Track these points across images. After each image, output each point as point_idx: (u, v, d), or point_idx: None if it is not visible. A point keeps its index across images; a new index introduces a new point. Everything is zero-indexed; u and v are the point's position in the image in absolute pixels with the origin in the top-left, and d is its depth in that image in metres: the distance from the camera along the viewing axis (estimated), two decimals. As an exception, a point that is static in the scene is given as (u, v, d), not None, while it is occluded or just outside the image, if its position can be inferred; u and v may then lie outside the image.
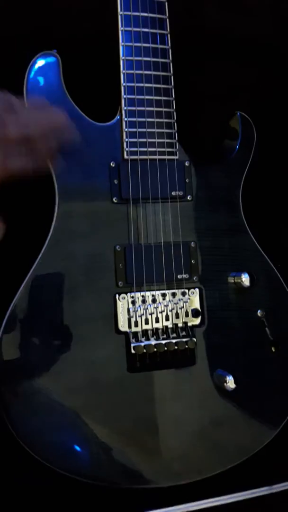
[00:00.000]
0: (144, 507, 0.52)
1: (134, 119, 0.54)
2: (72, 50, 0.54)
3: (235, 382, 0.54)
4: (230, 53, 0.63)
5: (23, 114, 0.45)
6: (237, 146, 0.59)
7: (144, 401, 0.53)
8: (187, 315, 0.55)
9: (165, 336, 0.54)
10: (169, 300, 0.55)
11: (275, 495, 0.56)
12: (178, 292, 0.55)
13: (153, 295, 0.54)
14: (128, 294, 0.53)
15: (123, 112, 0.54)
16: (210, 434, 0.55)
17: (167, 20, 0.56)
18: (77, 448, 0.52)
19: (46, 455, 0.50)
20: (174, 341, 0.53)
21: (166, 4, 0.56)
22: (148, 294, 0.54)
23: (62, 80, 0.54)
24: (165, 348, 0.53)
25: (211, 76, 0.63)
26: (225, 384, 0.54)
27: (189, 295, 0.55)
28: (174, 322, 0.54)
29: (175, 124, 0.55)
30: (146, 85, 0.55)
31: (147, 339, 0.53)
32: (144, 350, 0.52)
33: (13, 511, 0.51)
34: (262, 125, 0.59)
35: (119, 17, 0.54)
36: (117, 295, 0.53)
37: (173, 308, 0.55)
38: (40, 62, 0.54)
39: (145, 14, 0.55)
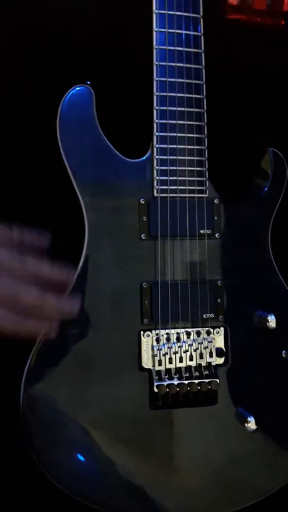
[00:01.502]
0: None
1: (165, 157, 0.54)
2: (106, 84, 0.54)
3: (256, 423, 0.54)
4: (265, 87, 0.62)
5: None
6: (268, 184, 0.58)
7: (164, 438, 0.53)
8: (211, 355, 0.55)
9: (188, 375, 0.54)
10: (194, 339, 0.54)
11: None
12: (203, 331, 0.55)
13: (177, 333, 0.54)
14: (153, 331, 0.54)
15: (155, 149, 0.54)
16: (228, 473, 0.55)
17: (203, 54, 0.55)
18: (98, 480, 0.53)
19: (69, 486, 0.51)
20: (196, 381, 0.53)
21: (202, 38, 0.55)
22: (173, 332, 0.54)
23: (95, 114, 0.54)
24: (188, 388, 0.53)
25: (245, 111, 0.62)
26: (246, 424, 0.54)
27: (213, 334, 0.55)
28: (198, 362, 0.54)
29: (206, 162, 0.55)
30: (179, 122, 0.54)
31: (170, 377, 0.53)
32: (167, 390, 0.52)
33: None
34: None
35: (154, 51, 0.54)
36: (141, 332, 0.53)
37: (197, 348, 0.54)
38: (73, 95, 0.53)
39: (181, 48, 0.54)
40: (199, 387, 0.53)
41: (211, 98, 0.55)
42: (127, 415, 0.52)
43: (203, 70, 0.55)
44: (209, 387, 0.54)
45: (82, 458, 0.52)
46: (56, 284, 0.46)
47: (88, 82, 0.54)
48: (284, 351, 0.57)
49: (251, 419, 0.54)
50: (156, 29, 0.53)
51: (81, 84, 0.54)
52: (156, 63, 0.54)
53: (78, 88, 0.53)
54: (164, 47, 0.54)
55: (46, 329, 0.46)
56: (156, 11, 0.53)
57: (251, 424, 0.54)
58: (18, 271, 0.45)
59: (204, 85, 0.55)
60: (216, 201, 0.56)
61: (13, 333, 0.44)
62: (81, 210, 0.53)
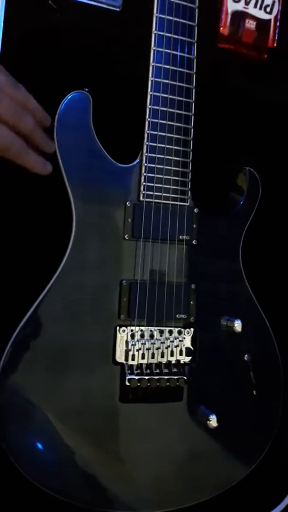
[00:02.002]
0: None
1: (153, 165, 0.58)
2: (103, 93, 0.57)
3: (217, 421, 0.57)
4: (247, 112, 0.67)
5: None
6: (243, 200, 0.63)
7: (130, 431, 0.56)
8: (180, 353, 0.58)
9: (158, 371, 0.57)
10: (166, 337, 0.58)
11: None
12: (175, 330, 0.58)
13: (151, 331, 0.57)
14: (128, 327, 0.56)
15: (144, 157, 0.58)
16: (190, 467, 0.58)
17: (194, 75, 0.60)
18: (63, 468, 0.54)
19: (33, 474, 0.52)
20: (166, 377, 0.56)
21: (195, 60, 0.60)
22: (147, 329, 0.57)
23: (90, 119, 0.57)
24: (157, 384, 0.56)
25: (227, 131, 0.67)
26: (208, 422, 0.57)
27: (184, 334, 0.59)
28: (168, 359, 0.58)
29: (190, 173, 0.59)
30: (168, 134, 0.58)
31: (142, 372, 0.56)
32: (138, 384, 0.55)
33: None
34: (268, 182, 0.63)
35: (150, 67, 0.58)
36: (117, 327, 0.56)
37: (169, 346, 0.58)
38: (71, 100, 0.57)
39: (175, 68, 0.59)
40: (167, 383, 0.56)
41: (199, 116, 0.59)
42: (96, 407, 0.54)
43: (193, 90, 0.60)
44: (177, 383, 0.57)
45: (48, 447, 0.53)
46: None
47: (87, 89, 0.57)
48: (246, 355, 0.61)
49: (213, 417, 0.57)
50: (154, 48, 0.58)
51: (79, 90, 0.57)
52: (152, 78, 0.58)
53: (76, 94, 0.57)
54: (160, 65, 0.58)
55: (39, 162, 0.52)
56: (155, 32, 0.58)
57: (213, 421, 0.57)
58: (19, 102, 0.50)
59: (193, 104, 0.60)
60: (196, 210, 0.60)
61: (17, 156, 0.50)
62: (70, 207, 0.56)
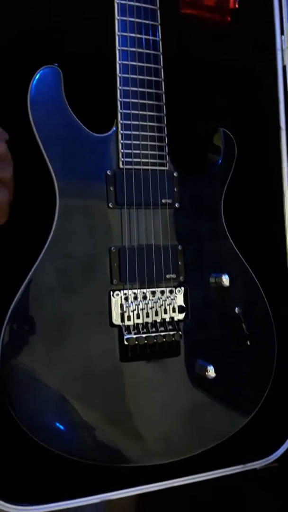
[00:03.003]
0: (133, 484, 0.58)
1: (129, 132, 0.59)
2: (72, 66, 0.58)
3: (215, 371, 0.60)
4: (216, 77, 0.69)
5: None
6: (220, 160, 0.65)
7: (133, 388, 0.58)
8: (173, 310, 0.61)
9: (154, 329, 0.59)
10: (158, 297, 0.60)
11: (248, 472, 0.63)
12: (166, 290, 0.61)
13: (143, 293, 0.60)
14: (122, 291, 0.59)
15: (119, 125, 0.59)
16: (192, 418, 0.61)
17: (160, 41, 0.61)
18: (72, 430, 0.56)
19: (43, 437, 0.55)
20: (162, 334, 0.59)
21: (159, 27, 0.61)
22: (139, 292, 0.59)
23: (63, 93, 0.58)
24: (155, 340, 0.58)
25: (199, 96, 0.69)
26: (206, 373, 0.60)
27: (175, 293, 0.61)
28: (162, 317, 0.60)
29: (166, 138, 0.61)
30: (141, 101, 0.60)
31: (138, 332, 0.58)
32: (136, 342, 0.58)
33: (15, 489, 0.55)
34: (243, 143, 0.65)
35: (116, 37, 0.59)
36: (111, 292, 0.58)
37: (162, 305, 0.60)
38: (42, 76, 0.58)
39: (140, 36, 0.60)
40: (164, 339, 0.59)
41: (170, 82, 0.61)
42: (98, 369, 0.57)
43: (161, 56, 0.61)
44: (173, 338, 0.59)
45: (56, 411, 0.55)
46: None
47: (56, 64, 0.58)
48: (237, 308, 0.64)
49: (211, 368, 0.60)
50: (118, 17, 0.59)
51: (49, 65, 0.58)
52: (119, 48, 0.59)
53: (46, 69, 0.58)
54: (126, 34, 0.59)
55: None
56: (118, 1, 0.59)
57: (211, 372, 0.60)
58: None
59: (162, 70, 0.61)
60: (175, 173, 0.62)
61: None
62: (53, 182, 0.57)
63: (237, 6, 0.67)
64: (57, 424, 0.56)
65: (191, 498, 0.69)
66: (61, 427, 0.56)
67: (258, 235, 0.71)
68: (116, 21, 0.59)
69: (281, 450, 0.66)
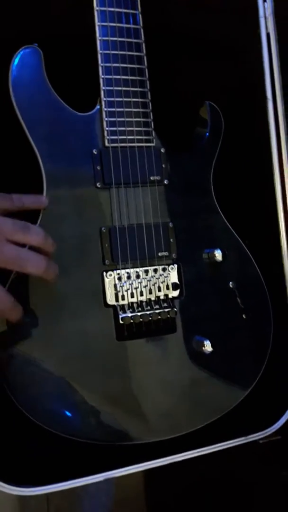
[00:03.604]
0: (136, 461, 0.58)
1: (113, 109, 0.58)
2: (53, 46, 0.57)
3: (211, 346, 0.60)
4: (200, 50, 0.68)
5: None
6: (207, 134, 0.64)
7: (131, 366, 0.59)
8: (167, 288, 0.61)
9: (148, 307, 0.59)
10: (151, 276, 0.60)
11: (250, 444, 0.63)
12: (159, 268, 0.61)
13: (137, 272, 0.59)
14: (115, 271, 0.58)
15: (103, 102, 0.58)
16: (191, 394, 0.61)
17: (140, 15, 0.60)
18: (72, 411, 0.57)
19: (43, 419, 0.55)
20: (157, 311, 0.59)
21: (139, 1, 0.60)
22: (133, 271, 0.59)
23: (44, 73, 0.57)
24: (150, 318, 0.58)
25: (183, 71, 0.68)
26: (203, 348, 0.60)
27: (168, 270, 0.61)
28: (156, 295, 0.60)
29: (151, 113, 0.60)
30: (123, 77, 0.59)
31: (133, 311, 0.58)
32: (131, 320, 0.58)
33: (16, 472, 0.56)
34: (230, 116, 0.64)
35: (95, 12, 0.58)
36: (104, 273, 0.58)
37: (155, 283, 0.60)
38: (22, 57, 0.57)
39: (119, 10, 0.59)
40: (159, 316, 0.59)
41: (152, 56, 0.60)
42: (95, 348, 0.57)
43: (141, 30, 0.60)
44: (168, 315, 0.59)
45: (56, 393, 0.56)
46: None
47: (36, 44, 0.57)
48: (231, 282, 0.64)
49: (207, 342, 0.60)
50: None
51: (29, 45, 0.57)
52: (98, 23, 0.58)
53: (26, 49, 0.57)
54: (105, 8, 0.58)
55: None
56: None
57: (208, 346, 0.60)
58: (20, 240, 0.50)
59: (143, 44, 0.60)
60: (162, 150, 0.61)
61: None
62: (38, 164, 0.57)
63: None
64: (57, 405, 0.56)
65: (197, 473, 0.70)
66: (61, 408, 0.56)
67: (250, 208, 0.70)
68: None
69: (282, 421, 0.66)
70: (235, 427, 0.64)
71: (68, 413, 0.56)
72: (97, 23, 0.58)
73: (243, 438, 0.63)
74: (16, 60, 0.56)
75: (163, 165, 0.61)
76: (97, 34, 0.58)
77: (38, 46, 0.57)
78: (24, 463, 0.57)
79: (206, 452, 0.61)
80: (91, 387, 0.57)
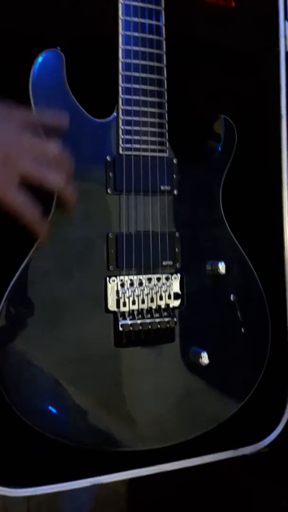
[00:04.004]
0: (124, 468, 0.59)
1: (130, 118, 0.59)
2: (75, 51, 0.58)
3: (208, 358, 0.61)
4: (217, 61, 0.69)
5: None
6: (220, 147, 0.65)
7: (127, 374, 0.59)
8: (169, 297, 0.61)
9: (149, 316, 0.60)
10: (154, 284, 0.61)
11: (239, 458, 0.64)
12: (162, 276, 0.61)
13: (140, 279, 0.60)
14: (118, 277, 0.59)
15: (120, 110, 0.59)
16: (184, 404, 0.62)
17: (164, 27, 0.61)
18: (65, 414, 0.57)
19: (35, 420, 0.55)
20: (157, 320, 0.60)
21: (163, 12, 0.61)
22: (136, 278, 0.60)
23: (65, 77, 0.58)
24: (149, 327, 0.59)
25: (200, 82, 0.69)
26: (199, 359, 0.61)
27: (171, 279, 0.62)
28: (157, 303, 0.61)
29: (167, 124, 0.61)
30: (142, 86, 0.60)
31: (133, 318, 0.59)
32: (131, 328, 0.58)
33: (7, 472, 0.56)
34: (242, 129, 0.65)
35: (120, 21, 0.59)
36: (107, 278, 0.59)
37: (158, 291, 0.61)
38: (44, 59, 0.57)
39: (144, 21, 0.60)
40: (158, 325, 0.60)
41: (172, 67, 0.61)
42: (92, 353, 0.57)
43: (164, 42, 0.61)
44: (168, 325, 0.60)
45: (50, 395, 0.56)
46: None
47: (59, 48, 0.58)
48: (232, 295, 0.64)
49: (204, 354, 0.61)
50: (122, 1, 0.58)
51: (51, 49, 0.58)
52: (122, 32, 0.59)
53: (48, 52, 0.58)
54: (129, 18, 0.59)
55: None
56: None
57: (204, 358, 0.61)
58: (39, 152, 0.49)
59: (164, 55, 0.61)
60: (175, 160, 0.62)
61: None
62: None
63: (242, -9, 0.67)
64: (50, 407, 0.56)
65: (184, 482, 0.70)
66: (54, 410, 0.57)
67: (256, 223, 0.71)
68: (120, 5, 0.59)
69: (272, 436, 0.67)
70: (225, 440, 0.65)
71: (60, 416, 0.57)
72: (120, 32, 0.59)
73: (232, 451, 0.64)
74: (38, 62, 0.57)
75: (174, 176, 0.62)
76: (120, 43, 0.59)
77: (61, 49, 0.58)
78: (11, 463, 0.57)
79: (194, 463, 0.61)
80: (85, 391, 0.57)
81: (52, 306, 0.56)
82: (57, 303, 0.56)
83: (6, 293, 0.55)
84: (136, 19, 0.59)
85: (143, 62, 0.60)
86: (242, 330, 0.64)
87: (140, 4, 0.59)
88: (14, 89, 0.57)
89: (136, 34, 0.59)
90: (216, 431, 0.63)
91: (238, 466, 0.65)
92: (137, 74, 0.59)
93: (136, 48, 0.59)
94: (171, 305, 0.61)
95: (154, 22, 0.60)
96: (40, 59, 0.57)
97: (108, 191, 0.59)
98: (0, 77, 0.61)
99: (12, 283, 0.55)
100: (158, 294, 0.61)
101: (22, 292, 0.55)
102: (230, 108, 0.66)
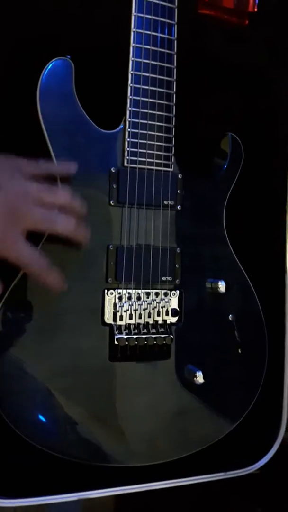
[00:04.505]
0: (112, 484, 0.58)
1: (136, 131, 0.59)
2: (84, 60, 0.58)
3: (203, 377, 0.60)
4: (228, 78, 0.68)
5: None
6: (226, 165, 0.65)
7: (119, 388, 0.58)
8: (167, 313, 0.60)
9: (145, 331, 0.59)
10: (152, 299, 0.60)
11: (229, 480, 0.63)
12: (161, 292, 0.60)
13: (138, 293, 0.59)
14: (116, 290, 0.58)
15: (127, 122, 0.58)
16: (177, 422, 0.61)
17: (175, 41, 0.60)
18: (56, 426, 0.56)
19: (27, 432, 0.54)
20: (153, 336, 0.59)
21: (175, 26, 0.60)
22: (134, 292, 0.59)
23: (73, 86, 0.57)
24: (145, 342, 0.58)
25: (209, 98, 0.68)
26: (194, 378, 0.60)
27: (170, 296, 0.61)
28: (154, 319, 0.60)
29: (173, 139, 0.60)
30: (151, 100, 0.59)
31: (129, 332, 0.58)
32: (126, 342, 0.57)
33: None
34: (249, 146, 0.65)
35: (132, 33, 0.59)
36: (105, 290, 0.58)
37: (155, 307, 0.60)
38: (54, 67, 0.57)
39: (156, 34, 0.59)
40: (155, 341, 0.59)
41: (181, 82, 0.60)
42: (86, 366, 0.56)
43: (175, 56, 0.60)
44: (164, 341, 0.59)
45: (43, 407, 0.55)
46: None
47: (68, 56, 0.58)
48: (230, 315, 0.63)
49: (200, 373, 0.60)
50: (135, 13, 0.58)
51: (61, 57, 0.57)
52: (133, 44, 0.59)
53: (58, 61, 0.57)
54: (141, 31, 0.59)
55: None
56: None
57: (199, 378, 0.60)
58: (48, 201, 0.49)
59: (175, 69, 0.60)
60: (179, 175, 0.61)
61: None
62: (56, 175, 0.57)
63: (256, 10, 0.66)
64: (41, 418, 0.56)
65: (172, 501, 0.69)
66: (45, 422, 0.56)
67: (258, 243, 0.70)
68: (133, 17, 0.58)
69: (264, 460, 0.66)
70: (216, 461, 0.64)
71: (50, 427, 0.56)
72: (132, 43, 0.58)
73: (222, 473, 0.63)
74: (46, 70, 0.57)
75: (178, 191, 0.61)
76: (131, 55, 0.58)
77: (70, 57, 0.57)
78: (2, 473, 0.56)
79: (183, 483, 0.60)
80: (77, 403, 0.57)
81: (48, 316, 0.56)
82: (53, 313, 0.56)
83: (3, 301, 0.54)
84: (148, 32, 0.59)
85: (153, 75, 0.59)
86: (239, 350, 0.63)
87: (153, 17, 0.59)
88: (23, 96, 0.57)
89: (147, 47, 0.59)
90: (207, 451, 0.62)
91: (226, 484, 0.64)
92: (146, 87, 0.59)
93: (146, 60, 0.59)
94: (168, 321, 0.60)
95: (166, 36, 0.60)
96: (49, 66, 0.57)
97: (111, 202, 0.59)
98: (10, 83, 0.61)
99: (8, 291, 0.54)
100: (156, 310, 0.60)
101: (18, 301, 0.55)
102: (238, 126, 0.65)
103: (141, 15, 0.58)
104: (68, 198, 0.51)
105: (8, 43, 0.56)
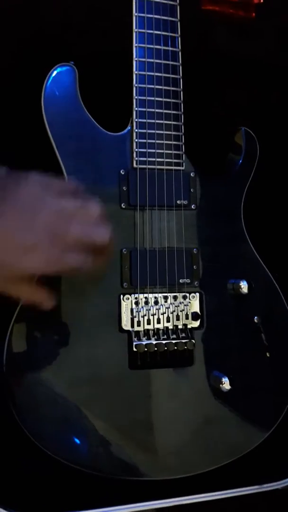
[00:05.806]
0: (138, 499, 0.55)
1: (144, 131, 0.57)
2: (88, 64, 0.57)
3: (230, 384, 0.57)
4: (238, 73, 0.66)
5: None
6: (241, 160, 0.62)
7: (142, 397, 0.56)
8: (187, 317, 0.58)
9: (165, 336, 0.57)
10: (171, 303, 0.57)
11: (264, 494, 0.59)
12: (180, 295, 0.58)
13: (155, 297, 0.57)
14: (132, 295, 0.56)
15: (134, 123, 0.57)
16: (204, 432, 0.58)
17: (179, 38, 0.59)
18: (78, 439, 0.54)
19: (49, 445, 0.53)
20: (174, 341, 0.56)
21: (179, 23, 0.59)
22: (151, 296, 0.57)
23: (78, 91, 0.57)
24: (165, 348, 0.56)
25: (219, 94, 0.67)
26: (220, 385, 0.57)
27: (189, 299, 0.58)
28: (174, 323, 0.57)
29: (183, 136, 0.59)
30: (157, 99, 0.58)
31: (148, 338, 0.56)
32: (145, 349, 0.55)
33: (17, 498, 0.53)
34: (264, 141, 0.62)
35: (134, 34, 0.58)
36: (121, 296, 0.56)
37: (174, 311, 0.57)
38: (58, 73, 0.57)
39: (158, 32, 0.58)
40: (175, 347, 0.56)
41: (188, 78, 0.59)
42: (106, 375, 0.55)
43: (179, 53, 0.59)
44: (185, 347, 0.56)
45: (63, 418, 0.54)
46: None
47: (72, 62, 0.57)
48: (256, 317, 0.60)
49: (226, 380, 0.56)
50: (136, 14, 0.57)
51: (65, 63, 0.57)
52: (136, 45, 0.58)
53: (62, 67, 0.57)
54: (143, 31, 0.58)
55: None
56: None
57: (226, 384, 0.57)
58: (85, 216, 0.49)
59: (180, 67, 0.59)
60: (192, 174, 0.59)
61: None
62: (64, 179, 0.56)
63: (261, 1, 0.64)
64: (62, 431, 0.54)
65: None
66: (66, 434, 0.54)
67: (281, 240, 0.67)
68: (134, 18, 0.58)
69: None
70: (249, 473, 0.60)
71: (72, 440, 0.54)
72: (134, 44, 0.58)
73: (257, 486, 0.59)
74: (51, 76, 0.56)
75: (192, 190, 0.59)
76: (134, 55, 0.58)
77: (74, 63, 0.57)
78: (22, 488, 0.55)
79: (215, 497, 0.56)
80: (99, 415, 0.55)
81: (64, 325, 0.54)
82: (69, 321, 0.54)
83: (17, 310, 0.53)
84: (150, 31, 0.58)
85: (157, 74, 0.58)
86: (267, 354, 0.60)
87: (155, 16, 0.58)
88: (28, 103, 0.56)
89: (150, 46, 0.58)
90: (239, 462, 0.58)
91: (260, 499, 0.59)
92: (151, 86, 0.58)
93: (150, 60, 0.58)
94: (189, 326, 0.58)
95: (169, 34, 0.59)
96: (53, 73, 0.56)
97: (122, 205, 0.57)
98: (14, 90, 0.61)
99: (22, 302, 0.53)
100: (175, 314, 0.57)
101: (33, 309, 0.53)
102: (251, 120, 0.63)
103: (142, 15, 0.58)
104: (99, 209, 0.50)
105: (12, 49, 0.56)
